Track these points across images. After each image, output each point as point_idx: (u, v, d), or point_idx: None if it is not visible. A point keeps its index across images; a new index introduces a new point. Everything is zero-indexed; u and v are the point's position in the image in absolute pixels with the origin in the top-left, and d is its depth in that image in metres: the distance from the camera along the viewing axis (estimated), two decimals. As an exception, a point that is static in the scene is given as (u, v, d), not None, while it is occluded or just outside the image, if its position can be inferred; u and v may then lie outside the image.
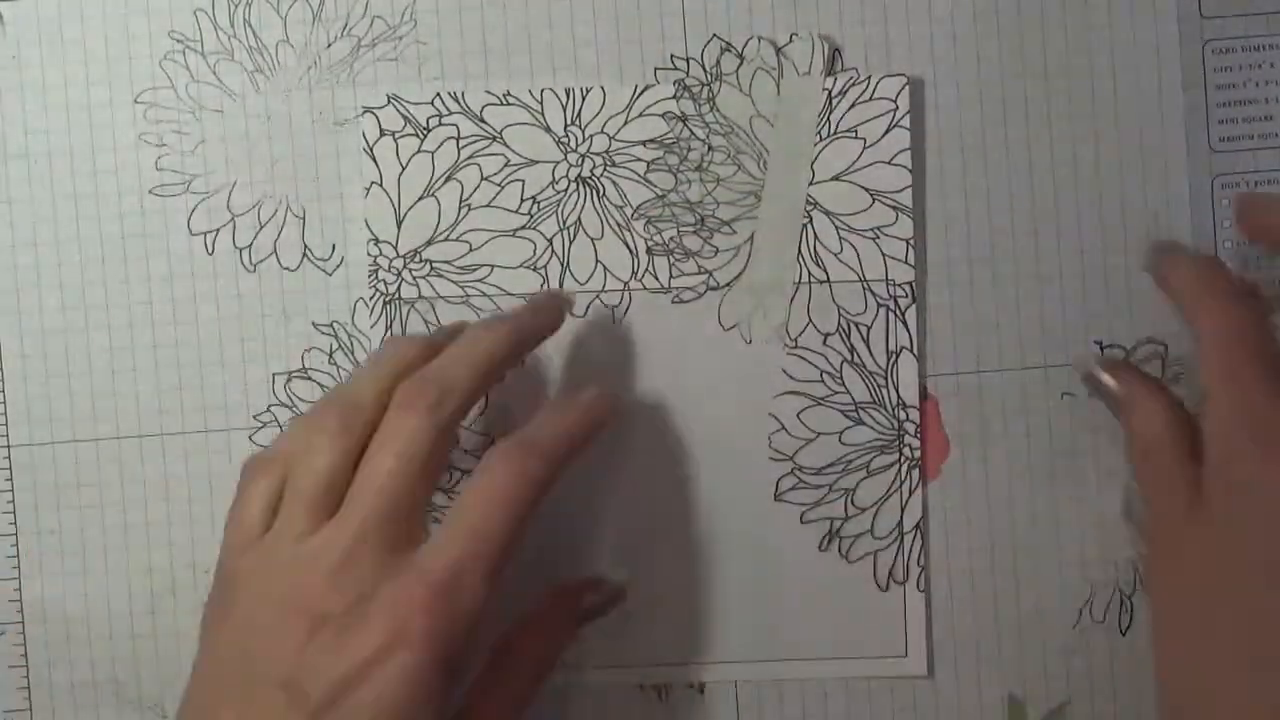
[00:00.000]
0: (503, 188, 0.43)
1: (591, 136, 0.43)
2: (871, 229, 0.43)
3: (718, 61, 0.43)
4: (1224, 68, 0.43)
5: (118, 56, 0.44)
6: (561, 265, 0.43)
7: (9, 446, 0.44)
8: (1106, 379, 0.40)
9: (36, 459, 0.44)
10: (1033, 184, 0.43)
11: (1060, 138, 0.43)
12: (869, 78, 0.43)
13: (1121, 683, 0.43)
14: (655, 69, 0.43)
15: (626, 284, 0.43)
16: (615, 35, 0.43)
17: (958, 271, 0.43)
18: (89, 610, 0.44)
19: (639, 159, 0.43)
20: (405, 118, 0.43)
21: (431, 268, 0.43)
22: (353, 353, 0.44)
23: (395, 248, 0.43)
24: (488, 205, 0.43)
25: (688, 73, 0.43)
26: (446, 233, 0.43)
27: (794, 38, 0.43)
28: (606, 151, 0.43)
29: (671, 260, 0.43)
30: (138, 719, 0.44)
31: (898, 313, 0.43)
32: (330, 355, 0.44)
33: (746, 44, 0.43)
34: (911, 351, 0.43)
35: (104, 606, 0.44)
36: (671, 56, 0.43)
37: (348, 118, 0.43)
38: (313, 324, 0.44)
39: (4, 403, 0.44)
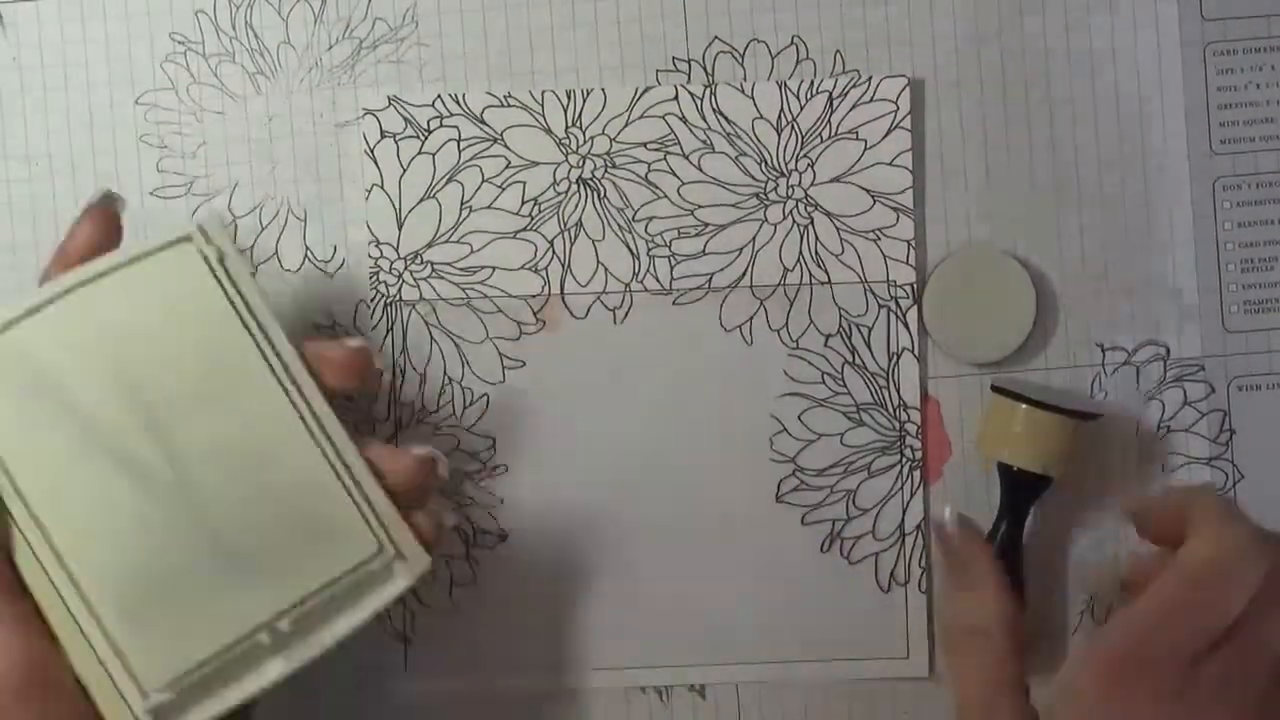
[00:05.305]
0: (504, 189, 0.43)
1: (592, 138, 0.43)
2: (872, 230, 0.43)
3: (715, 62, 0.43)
4: (1225, 70, 0.43)
5: (119, 58, 0.44)
6: (562, 267, 0.43)
7: (9, 448, 0.44)
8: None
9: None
10: (1033, 185, 0.43)
11: (1061, 139, 0.43)
12: (870, 79, 0.43)
13: (1122, 684, 0.43)
14: (656, 71, 0.43)
15: (628, 285, 0.43)
16: (616, 37, 0.43)
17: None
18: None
19: (640, 160, 0.43)
20: (406, 120, 0.43)
21: (432, 269, 0.43)
22: (354, 354, 0.44)
23: (396, 249, 0.43)
24: (489, 207, 0.43)
25: (689, 75, 0.43)
26: (447, 234, 0.43)
27: (795, 40, 0.43)
28: (607, 153, 0.43)
29: (672, 262, 0.43)
30: None
31: (899, 314, 0.43)
32: (331, 357, 0.44)
33: (747, 46, 0.43)
34: (913, 352, 0.43)
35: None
36: (673, 59, 0.43)
37: (349, 119, 0.43)
38: (314, 325, 0.44)
39: (4, 404, 0.44)
